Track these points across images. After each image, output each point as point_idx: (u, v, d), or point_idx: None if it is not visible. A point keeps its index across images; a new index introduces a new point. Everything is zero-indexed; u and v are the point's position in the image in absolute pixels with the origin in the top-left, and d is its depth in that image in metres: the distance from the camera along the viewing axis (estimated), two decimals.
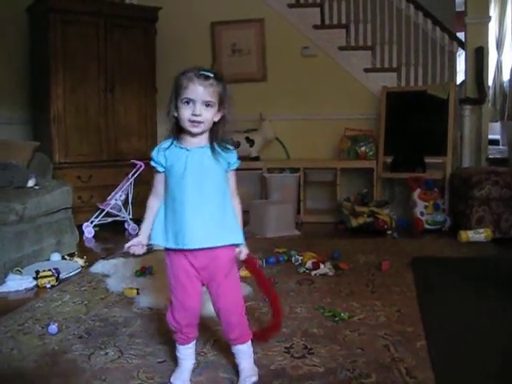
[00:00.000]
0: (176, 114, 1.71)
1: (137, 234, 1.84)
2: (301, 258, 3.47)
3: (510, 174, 4.23)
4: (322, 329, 2.33)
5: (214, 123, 1.74)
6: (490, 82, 5.73)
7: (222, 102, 1.72)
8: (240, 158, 1.81)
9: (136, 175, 4.66)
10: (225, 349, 2.03)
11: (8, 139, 4.56)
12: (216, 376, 1.89)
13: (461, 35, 5.49)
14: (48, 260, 3.56)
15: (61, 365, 2.01)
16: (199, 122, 1.68)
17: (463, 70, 5.35)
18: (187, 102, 1.67)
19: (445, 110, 4.92)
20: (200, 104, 1.67)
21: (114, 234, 4.54)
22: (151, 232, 1.77)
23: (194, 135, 1.72)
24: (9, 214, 3.21)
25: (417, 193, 4.66)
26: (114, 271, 3.28)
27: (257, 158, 5.35)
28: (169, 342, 2.10)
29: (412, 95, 5.18)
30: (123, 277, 3.15)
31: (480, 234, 4.10)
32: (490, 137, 5.45)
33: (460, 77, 5.88)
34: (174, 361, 1.94)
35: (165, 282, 2.64)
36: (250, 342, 1.86)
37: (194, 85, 1.66)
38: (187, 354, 1.87)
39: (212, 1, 5.62)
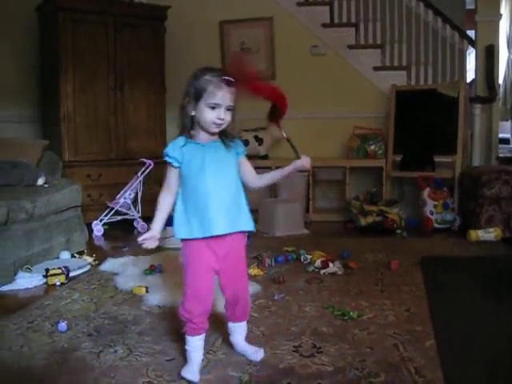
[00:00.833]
0: (194, 113, 1.80)
1: (149, 229, 1.90)
2: (310, 256, 3.47)
3: None
4: (330, 328, 2.32)
5: None
6: (501, 81, 5.67)
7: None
8: (249, 156, 1.96)
9: (145, 174, 4.68)
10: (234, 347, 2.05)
11: (18, 137, 4.61)
12: (225, 374, 1.89)
13: (471, 33, 5.46)
14: (57, 258, 3.57)
15: (70, 362, 2.02)
16: (221, 124, 1.81)
17: (473, 68, 5.32)
18: (213, 107, 1.78)
19: (455, 108, 4.88)
20: (224, 108, 1.79)
21: (123, 233, 4.56)
22: (173, 227, 1.85)
23: (212, 133, 1.84)
24: (19, 213, 3.22)
25: (426, 192, 4.65)
26: (123, 269, 3.29)
27: (265, 157, 5.35)
28: (178, 340, 2.11)
29: (422, 93, 5.15)
30: (132, 275, 3.16)
31: (490, 234, 4.08)
32: (501, 135, 5.41)
33: (470, 75, 5.85)
34: (184, 359, 1.94)
35: (174, 280, 2.64)
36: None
37: (223, 92, 1.77)
38: (197, 346, 1.89)
39: None
